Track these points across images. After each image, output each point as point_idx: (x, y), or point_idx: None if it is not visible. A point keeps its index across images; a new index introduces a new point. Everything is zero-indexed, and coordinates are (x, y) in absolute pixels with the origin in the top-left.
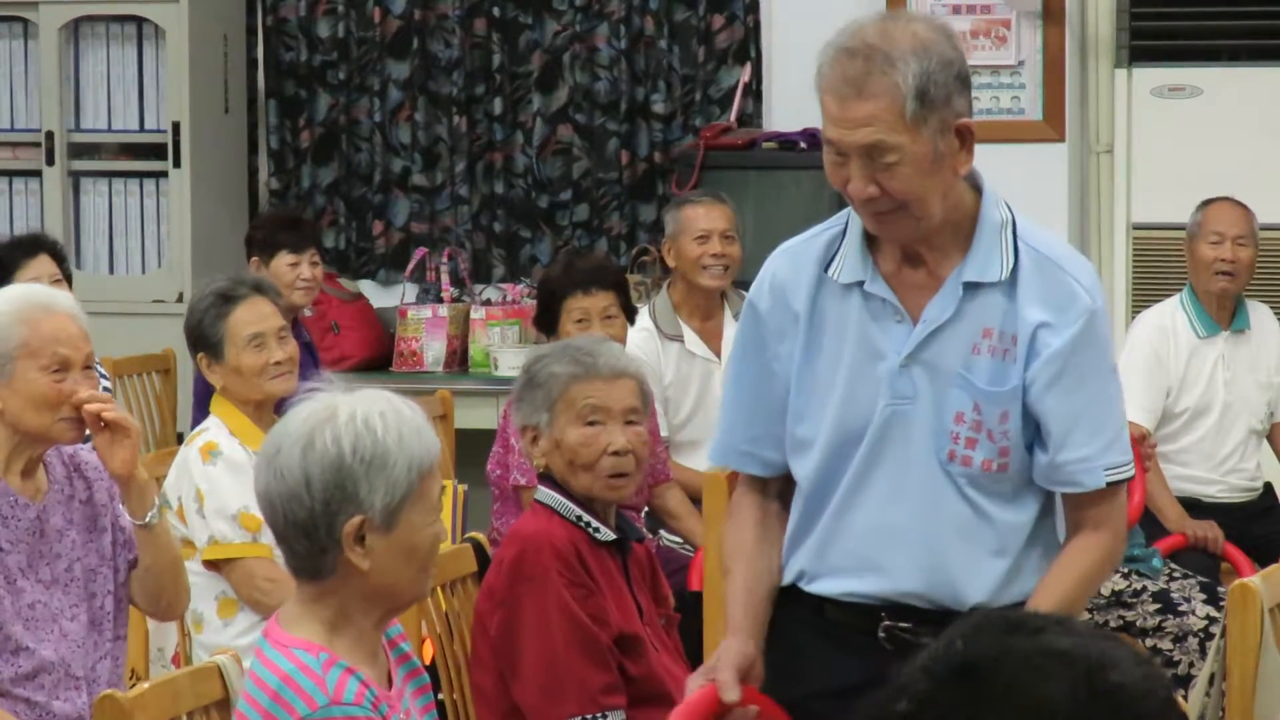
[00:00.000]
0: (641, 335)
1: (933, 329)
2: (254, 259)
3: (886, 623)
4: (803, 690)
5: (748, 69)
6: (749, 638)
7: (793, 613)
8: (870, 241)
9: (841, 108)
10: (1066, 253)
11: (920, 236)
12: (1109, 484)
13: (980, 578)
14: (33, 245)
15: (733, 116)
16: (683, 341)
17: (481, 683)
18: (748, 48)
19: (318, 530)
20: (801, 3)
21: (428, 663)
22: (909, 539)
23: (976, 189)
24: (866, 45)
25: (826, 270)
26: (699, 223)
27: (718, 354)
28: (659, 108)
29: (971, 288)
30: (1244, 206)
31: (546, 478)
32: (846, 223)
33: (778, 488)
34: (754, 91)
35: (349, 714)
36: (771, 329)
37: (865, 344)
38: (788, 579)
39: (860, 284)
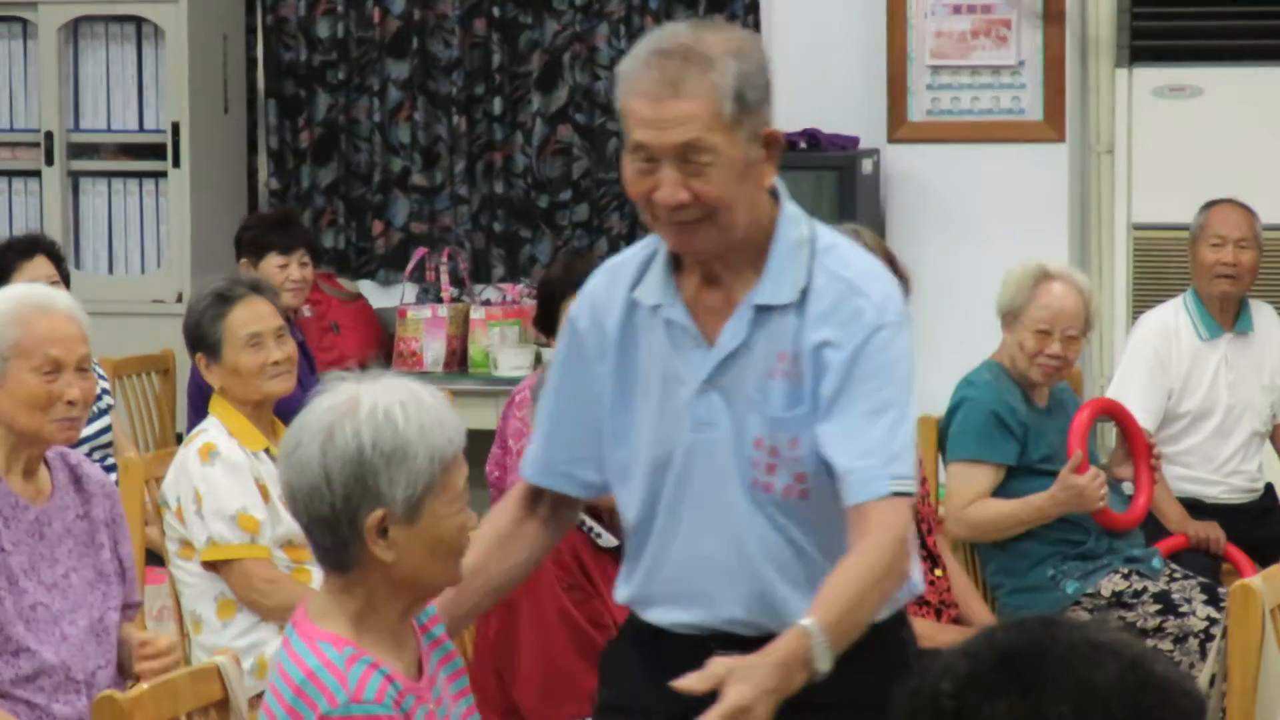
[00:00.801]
0: None
1: (726, 354)
2: (243, 260)
3: (717, 654)
4: (643, 715)
5: None
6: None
7: (633, 638)
8: (676, 264)
9: (657, 108)
10: (864, 270)
11: (720, 253)
12: (893, 494)
13: (800, 605)
14: (30, 246)
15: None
16: None
17: (480, 682)
18: None
19: (340, 524)
20: (801, 3)
21: None
22: (726, 568)
23: (777, 206)
24: (682, 46)
25: (633, 291)
26: None
27: None
28: None
29: (764, 311)
30: (1246, 209)
31: None
32: (657, 242)
33: (562, 511)
34: None
35: (369, 713)
36: (590, 348)
37: (668, 370)
38: (623, 601)
39: (660, 307)
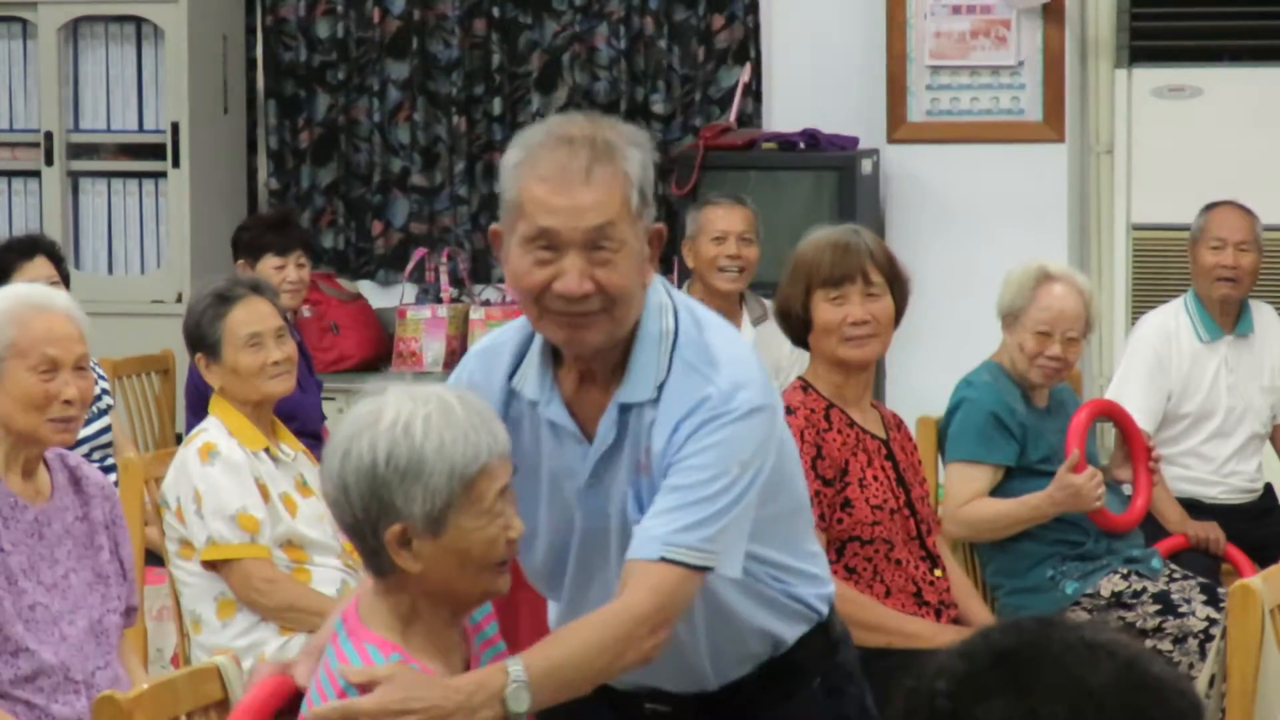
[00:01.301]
0: None
1: (603, 451)
2: (240, 261)
3: (648, 705)
4: None
5: (747, 69)
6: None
7: None
8: (553, 356)
9: (567, 195)
10: (721, 358)
11: (604, 348)
12: (662, 559)
13: (696, 671)
14: (30, 247)
15: (732, 117)
16: None
17: None
18: (747, 48)
19: (365, 534)
20: (801, 3)
21: None
22: None
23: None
24: (587, 135)
25: (511, 380)
26: (717, 224)
27: None
28: (659, 108)
29: (627, 409)
30: (1247, 211)
31: None
32: (533, 332)
33: None
34: (754, 91)
35: None
36: None
37: (556, 461)
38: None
39: (539, 405)
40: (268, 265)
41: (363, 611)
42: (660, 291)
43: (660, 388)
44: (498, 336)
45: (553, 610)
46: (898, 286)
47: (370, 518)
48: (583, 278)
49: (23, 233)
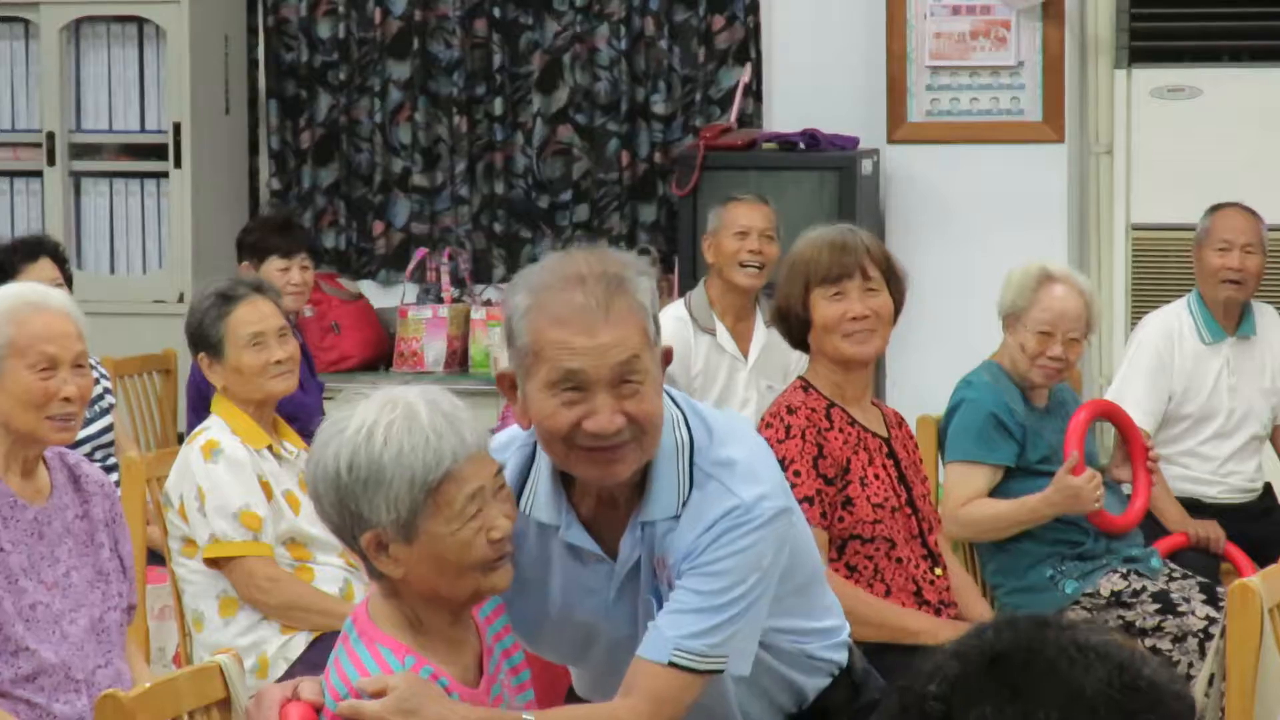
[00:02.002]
0: (676, 323)
1: (628, 568)
2: (244, 263)
3: None
4: None
5: (748, 69)
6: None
7: None
8: (564, 480)
9: (590, 334)
10: (744, 468)
11: (624, 480)
12: (671, 663)
13: None
14: (34, 248)
15: (733, 117)
16: (714, 335)
17: None
18: (748, 48)
19: (346, 540)
20: (801, 3)
21: None
22: None
23: None
24: (595, 272)
25: (519, 504)
26: (740, 219)
27: (745, 355)
28: (659, 108)
29: (648, 526)
30: (1252, 213)
31: None
32: (535, 450)
33: None
34: (754, 92)
35: None
36: None
37: (575, 580)
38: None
39: (556, 528)
40: (272, 267)
41: (373, 613)
42: (669, 404)
43: (684, 503)
44: (494, 452)
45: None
46: (895, 283)
47: (346, 525)
48: (614, 414)
49: (27, 234)
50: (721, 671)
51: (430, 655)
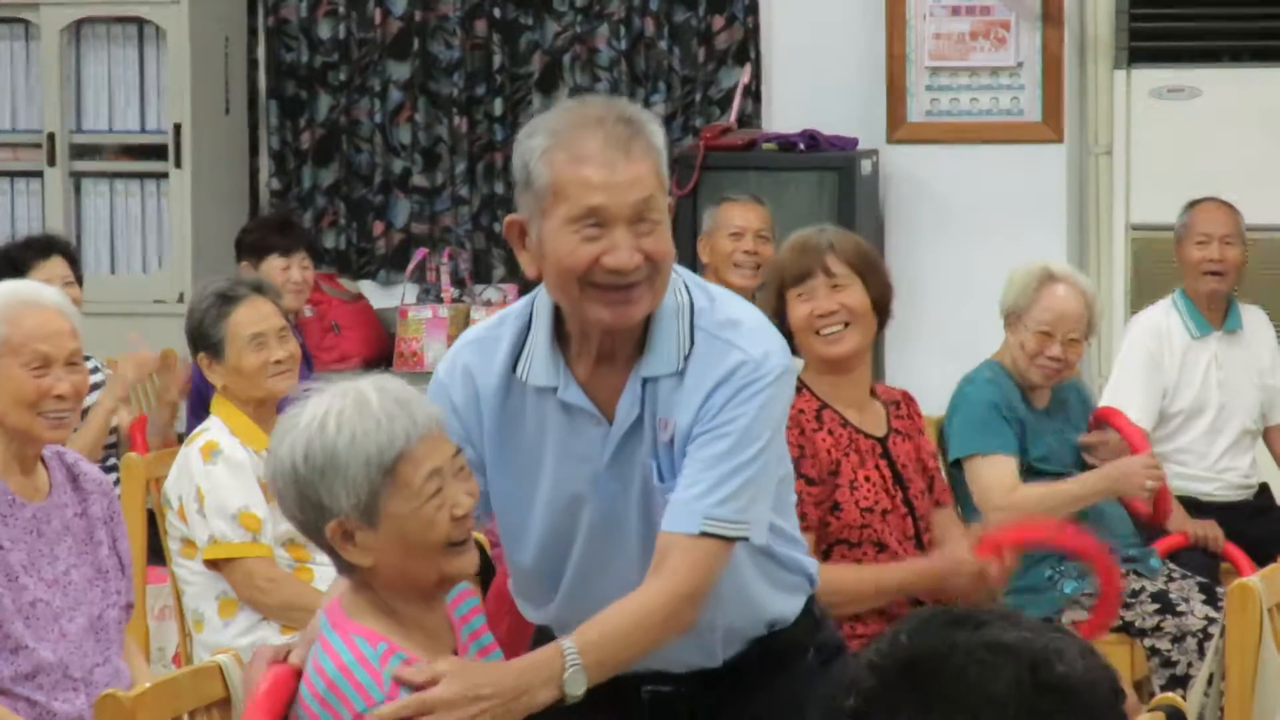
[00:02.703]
0: None
1: (625, 429)
2: (244, 263)
3: (648, 688)
4: None
5: (747, 70)
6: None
7: None
8: (561, 342)
9: (610, 171)
10: (748, 327)
11: (634, 324)
12: (703, 533)
13: (714, 645)
14: (46, 246)
15: (732, 117)
16: None
17: None
18: (747, 49)
19: (312, 533)
20: (801, 4)
21: None
22: None
23: None
24: (613, 114)
25: (515, 370)
26: (734, 220)
27: None
28: (659, 109)
29: (651, 382)
30: (1230, 206)
31: None
32: (531, 317)
33: None
34: (753, 92)
35: None
36: (465, 417)
37: (567, 447)
38: (537, 621)
39: (554, 389)
40: (272, 266)
41: (345, 606)
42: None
43: (687, 359)
44: (488, 329)
45: (538, 614)
46: (871, 276)
47: (309, 518)
48: (632, 251)
49: (39, 233)
50: (748, 538)
51: (405, 643)
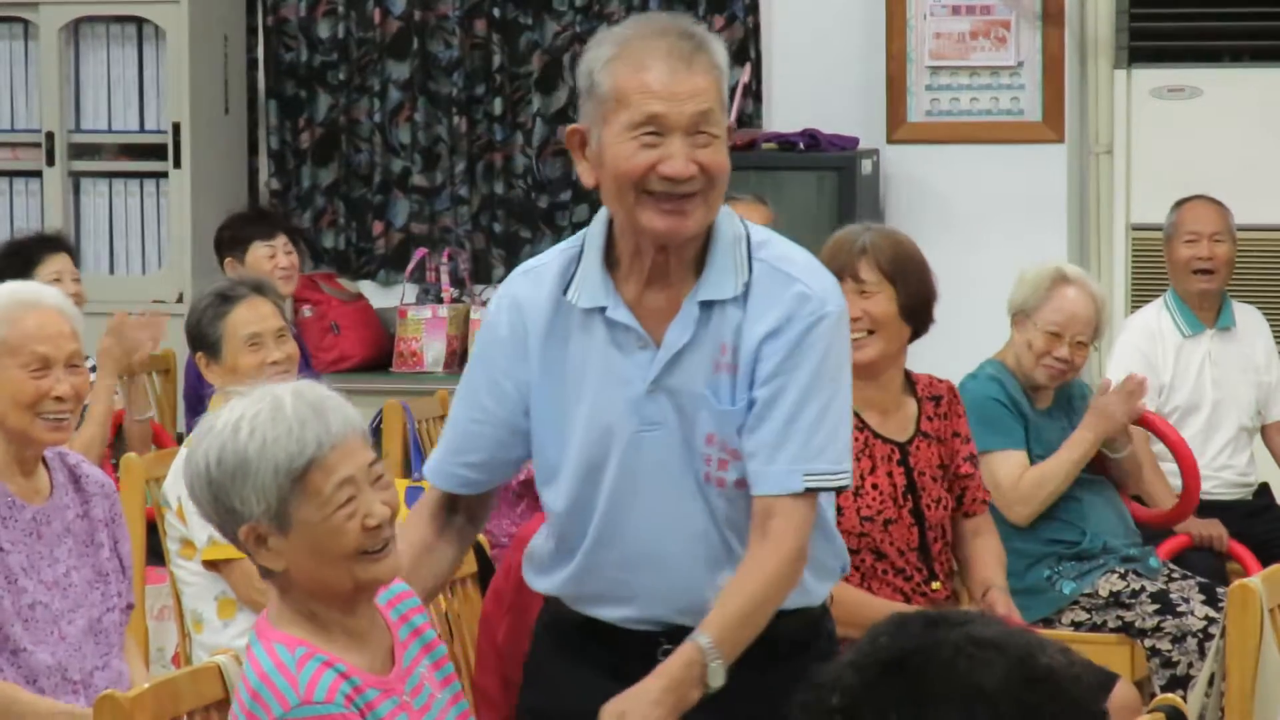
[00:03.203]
0: None
1: (674, 353)
2: (228, 260)
3: (665, 646)
4: (578, 706)
5: (747, 70)
6: None
7: (559, 626)
8: (610, 266)
9: (672, 80)
10: (804, 263)
11: (693, 238)
12: (807, 489)
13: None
14: (55, 243)
15: (732, 117)
16: None
17: (485, 686)
18: (747, 48)
19: (230, 537)
20: (801, 4)
21: None
22: (674, 566)
23: None
24: (679, 28)
25: (565, 294)
26: None
27: None
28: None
29: (707, 307)
30: (1218, 203)
31: None
32: (582, 245)
33: (469, 504)
34: (753, 92)
35: (318, 713)
36: (508, 352)
37: (609, 371)
38: (547, 591)
39: (601, 310)
40: (258, 254)
41: (271, 616)
42: (724, 206)
43: (746, 286)
44: (541, 259)
45: (552, 564)
46: (905, 283)
47: (224, 522)
48: (688, 160)
49: (44, 230)
50: (848, 485)
51: (329, 646)
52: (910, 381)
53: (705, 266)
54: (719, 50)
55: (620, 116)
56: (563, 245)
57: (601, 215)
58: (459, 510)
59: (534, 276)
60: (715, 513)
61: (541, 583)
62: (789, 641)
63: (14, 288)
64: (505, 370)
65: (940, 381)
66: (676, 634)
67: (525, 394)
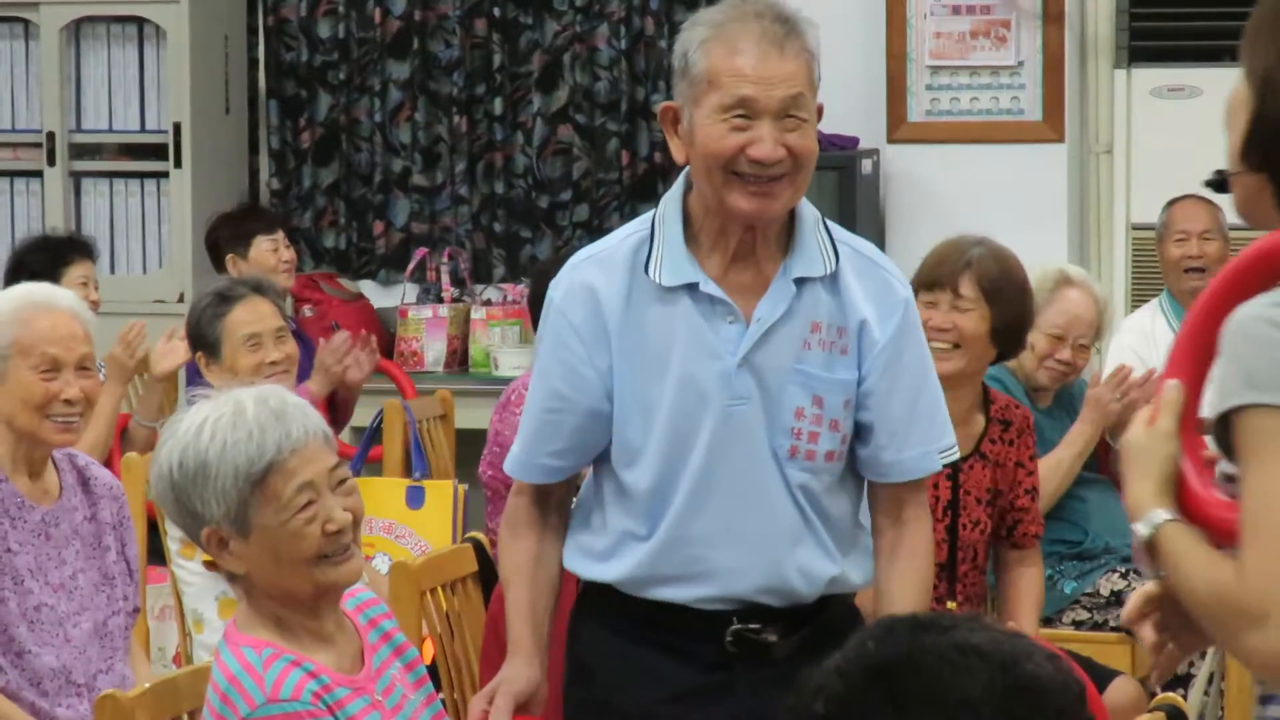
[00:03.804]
0: None
1: (766, 328)
2: (230, 256)
3: (736, 626)
4: (635, 695)
5: None
6: (533, 658)
7: (610, 616)
8: (691, 245)
9: (764, 65)
10: (874, 249)
11: (778, 219)
12: (944, 466)
13: (815, 573)
14: (86, 249)
15: None
16: None
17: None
18: None
19: (194, 538)
20: (801, 4)
21: (428, 662)
22: (755, 541)
23: None
24: (773, 11)
25: (646, 272)
26: None
27: None
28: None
29: (799, 283)
30: (1208, 201)
31: None
32: (651, 226)
33: (559, 496)
34: None
35: (285, 710)
36: (584, 340)
37: (698, 346)
38: (605, 579)
39: (690, 285)
40: (261, 249)
41: (238, 620)
42: None
43: (835, 266)
44: (601, 245)
45: (623, 549)
46: (1001, 305)
47: (186, 524)
48: (776, 144)
49: (81, 235)
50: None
51: (296, 649)
52: (987, 400)
53: (793, 245)
54: (812, 35)
55: (712, 98)
56: (623, 231)
57: (673, 196)
58: (551, 505)
59: (600, 262)
60: (793, 487)
61: (599, 570)
62: (839, 620)
63: (29, 289)
64: (583, 357)
65: (1018, 408)
66: (749, 613)
67: (606, 379)
